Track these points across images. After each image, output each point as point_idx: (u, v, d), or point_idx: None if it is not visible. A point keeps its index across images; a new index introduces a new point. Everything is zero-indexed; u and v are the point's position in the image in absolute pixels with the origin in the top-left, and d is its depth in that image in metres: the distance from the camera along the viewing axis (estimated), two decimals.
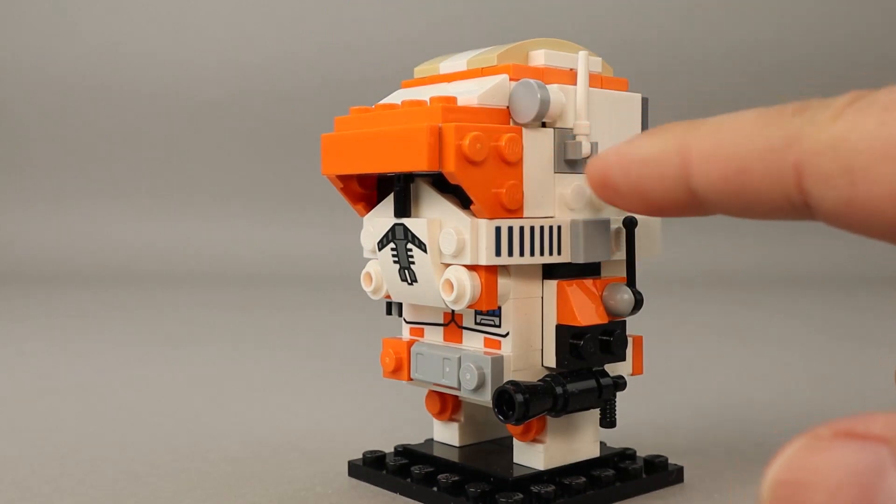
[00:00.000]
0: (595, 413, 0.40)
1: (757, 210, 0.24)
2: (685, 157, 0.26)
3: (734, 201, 0.25)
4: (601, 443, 0.41)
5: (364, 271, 0.41)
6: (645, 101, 0.41)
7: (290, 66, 1.80)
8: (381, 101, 0.39)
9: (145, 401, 0.61)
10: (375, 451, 0.43)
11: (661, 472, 0.42)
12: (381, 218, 0.39)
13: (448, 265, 0.37)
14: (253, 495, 0.41)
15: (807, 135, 0.22)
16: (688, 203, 0.26)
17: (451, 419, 0.43)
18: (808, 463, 0.18)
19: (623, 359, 0.39)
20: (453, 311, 0.39)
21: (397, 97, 0.40)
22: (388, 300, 0.41)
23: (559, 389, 0.36)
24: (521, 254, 0.36)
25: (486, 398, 0.37)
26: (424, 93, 0.39)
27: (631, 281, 0.38)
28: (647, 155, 0.27)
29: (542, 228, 0.37)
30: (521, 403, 0.35)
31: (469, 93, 0.37)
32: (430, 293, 0.37)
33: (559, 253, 0.37)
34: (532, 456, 0.39)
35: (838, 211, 0.22)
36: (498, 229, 0.36)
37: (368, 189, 0.41)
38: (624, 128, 0.40)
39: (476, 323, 0.39)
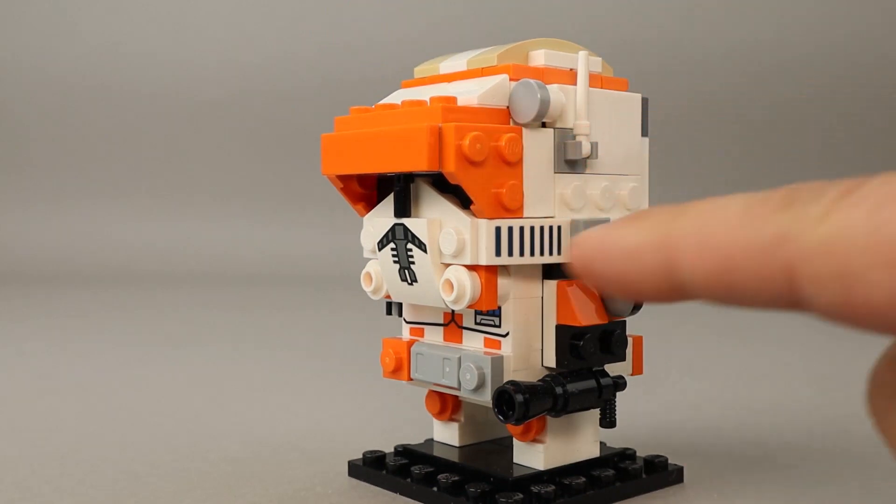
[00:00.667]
0: (595, 413, 0.40)
1: (748, 304, 0.24)
2: (670, 252, 0.25)
3: (723, 296, 0.25)
4: (601, 443, 0.41)
5: (364, 271, 0.41)
6: (645, 101, 0.41)
7: (290, 66, 1.80)
8: (381, 101, 0.39)
9: (145, 401, 0.61)
10: (375, 451, 0.43)
11: (661, 472, 0.42)
12: (381, 218, 0.39)
13: (448, 265, 0.37)
14: (253, 495, 0.41)
15: (796, 234, 0.22)
16: (674, 294, 0.26)
17: (451, 419, 0.43)
18: None
19: (623, 359, 0.39)
20: (453, 311, 0.39)
21: (397, 97, 0.40)
22: (388, 300, 0.41)
23: (559, 389, 0.36)
24: (521, 254, 0.36)
25: (486, 398, 0.37)
26: (424, 93, 0.39)
27: None
28: (630, 248, 0.27)
29: (542, 228, 0.37)
30: (521, 403, 0.35)
31: (469, 93, 0.37)
32: (430, 293, 0.37)
33: (559, 253, 0.37)
34: (532, 456, 0.39)
35: (834, 312, 0.22)
36: (498, 229, 0.36)
37: (368, 189, 0.41)
38: (624, 128, 0.40)
39: (476, 323, 0.39)
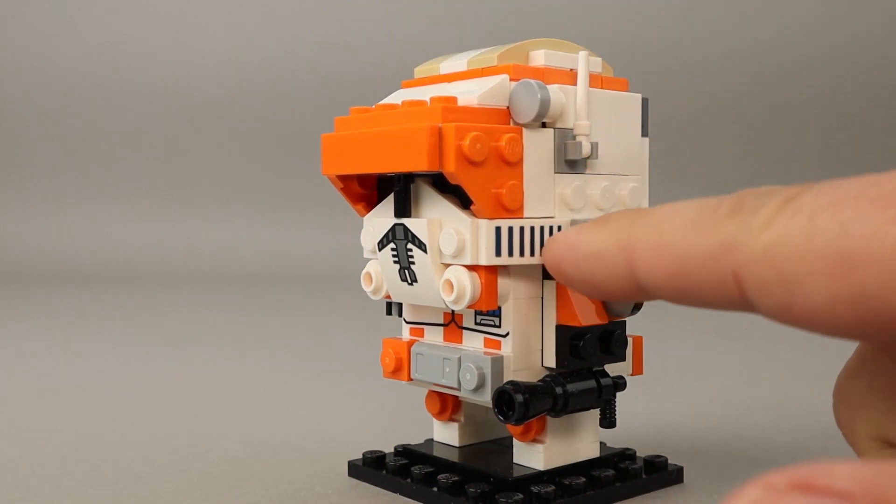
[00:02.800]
0: (595, 413, 0.40)
1: (702, 305, 0.25)
2: (629, 255, 0.27)
3: (679, 298, 0.26)
4: (601, 443, 0.41)
5: (364, 271, 0.41)
6: (645, 101, 0.41)
7: (290, 66, 1.80)
8: (381, 102, 0.39)
9: (145, 401, 0.61)
10: (375, 451, 0.43)
11: (661, 472, 0.42)
12: (382, 218, 0.39)
13: (448, 265, 0.37)
14: (253, 495, 0.41)
15: (741, 242, 0.23)
16: (637, 294, 0.28)
17: (451, 419, 0.43)
18: None
19: (623, 359, 0.39)
20: (453, 311, 0.39)
21: (397, 97, 0.40)
22: (388, 300, 0.41)
23: (559, 389, 0.36)
24: (522, 254, 0.36)
25: (486, 398, 0.37)
26: (424, 93, 0.39)
27: None
28: (594, 251, 0.29)
29: (542, 228, 0.37)
30: (521, 403, 0.35)
31: (469, 93, 0.37)
32: (430, 293, 0.37)
33: None
34: (532, 456, 0.39)
35: (778, 315, 0.23)
36: (498, 229, 0.36)
37: (368, 189, 0.41)
38: (624, 128, 0.40)
39: (476, 323, 0.39)
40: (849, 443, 0.28)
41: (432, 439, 0.44)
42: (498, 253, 0.36)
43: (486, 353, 0.37)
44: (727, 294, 0.24)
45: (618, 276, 0.28)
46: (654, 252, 0.26)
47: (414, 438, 0.46)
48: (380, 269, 0.40)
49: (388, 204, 0.39)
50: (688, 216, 0.25)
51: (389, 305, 0.42)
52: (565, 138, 0.37)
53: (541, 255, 0.36)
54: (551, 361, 0.38)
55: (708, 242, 0.24)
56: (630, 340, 0.40)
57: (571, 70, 0.38)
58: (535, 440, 0.39)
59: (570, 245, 0.30)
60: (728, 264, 0.23)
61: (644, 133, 0.41)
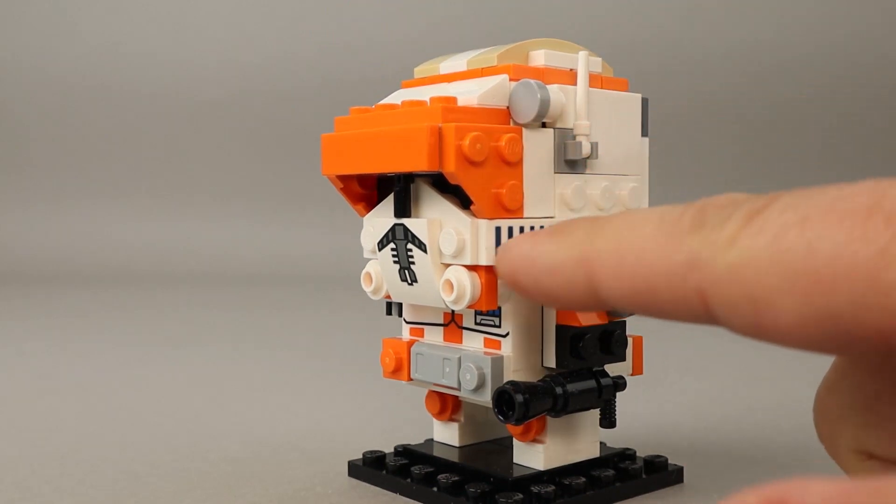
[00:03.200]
0: (595, 413, 0.40)
1: (668, 318, 0.25)
2: (589, 269, 0.26)
3: (643, 311, 0.25)
4: (601, 443, 0.41)
5: (364, 271, 0.41)
6: (645, 102, 0.41)
7: (290, 66, 1.80)
8: (381, 102, 0.39)
9: (145, 401, 0.61)
10: (375, 452, 0.43)
11: (661, 473, 0.42)
12: (382, 218, 0.39)
13: (448, 265, 0.37)
14: (253, 495, 0.41)
15: (706, 259, 0.22)
16: (598, 306, 0.27)
17: (451, 419, 0.43)
18: None
19: (623, 359, 0.39)
20: (453, 311, 0.39)
21: (397, 97, 0.40)
22: (388, 300, 0.41)
23: (559, 389, 0.36)
24: None
25: (486, 398, 0.37)
26: (424, 93, 0.39)
27: None
28: (551, 265, 0.28)
29: (542, 228, 0.37)
30: (521, 403, 0.35)
31: (469, 93, 0.37)
32: (430, 293, 0.37)
33: None
34: (532, 456, 0.39)
35: (747, 332, 0.22)
36: (498, 229, 0.36)
37: (368, 189, 0.41)
38: (624, 128, 0.40)
39: (476, 323, 0.39)
40: (831, 455, 0.28)
41: (432, 439, 0.44)
42: None
43: (486, 353, 0.37)
44: (692, 310, 0.23)
45: (577, 290, 0.27)
46: (614, 267, 0.25)
47: (414, 438, 0.46)
48: (380, 269, 0.40)
49: (388, 204, 0.39)
50: (649, 229, 0.24)
51: (389, 305, 0.42)
52: (565, 138, 0.37)
53: (494, 262, 0.34)
54: (551, 361, 0.38)
55: (671, 259, 0.23)
56: (630, 340, 0.40)
57: (571, 70, 0.38)
58: (535, 440, 0.39)
59: (526, 257, 0.29)
60: (692, 282, 0.23)
61: (644, 133, 0.41)
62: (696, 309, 0.23)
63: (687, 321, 0.24)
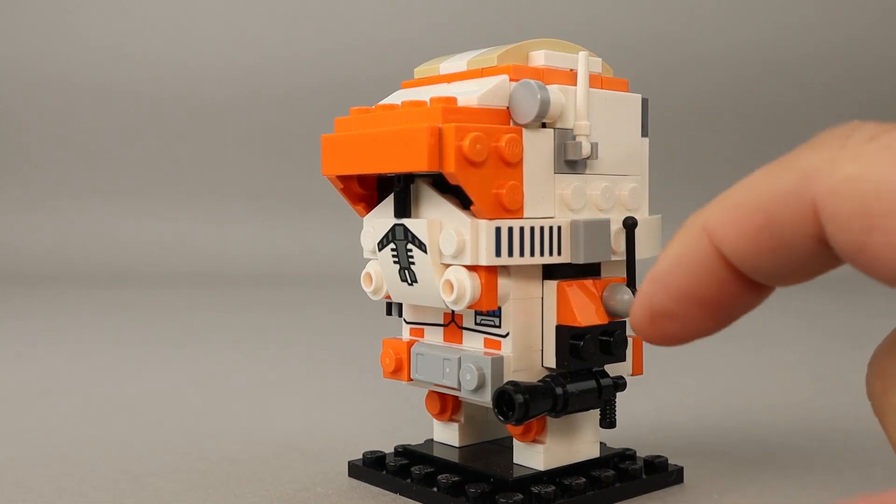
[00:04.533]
0: (595, 413, 0.40)
1: (789, 262, 0.23)
2: (708, 235, 0.24)
3: (768, 256, 0.23)
4: (601, 443, 0.41)
5: (364, 272, 0.41)
6: (645, 102, 0.41)
7: (290, 67, 1.80)
8: (381, 102, 0.39)
9: (145, 401, 0.61)
10: (375, 452, 0.43)
11: (661, 473, 0.42)
12: (382, 218, 0.39)
13: (448, 265, 0.37)
14: (253, 495, 0.41)
15: (824, 171, 0.21)
16: (736, 280, 0.25)
17: (451, 419, 0.43)
18: None
19: (623, 359, 0.39)
20: (453, 311, 0.39)
21: (397, 98, 0.40)
22: (389, 300, 0.42)
23: (559, 390, 0.36)
24: (521, 254, 0.36)
25: (486, 399, 0.37)
26: (424, 93, 0.39)
27: (631, 281, 0.38)
28: (677, 255, 0.25)
29: (542, 229, 0.37)
30: (521, 404, 0.35)
31: (469, 93, 0.37)
32: (430, 294, 0.37)
33: (559, 253, 0.37)
34: (532, 456, 0.39)
35: (850, 253, 0.21)
36: (498, 230, 0.36)
37: (369, 189, 0.41)
38: (624, 128, 0.40)
39: (476, 323, 0.39)
40: (877, 415, 0.27)
41: (432, 439, 0.44)
42: (498, 253, 0.36)
43: (486, 353, 0.37)
44: (810, 232, 0.22)
45: (708, 265, 0.25)
46: (731, 213, 0.24)
47: (414, 438, 0.46)
48: (380, 270, 0.40)
49: (388, 204, 0.39)
50: (761, 170, 0.23)
51: (389, 306, 0.42)
52: (565, 139, 0.37)
53: (630, 323, 0.32)
54: (551, 362, 0.38)
55: (786, 177, 0.22)
56: (630, 341, 0.40)
57: (571, 70, 0.39)
58: (535, 440, 0.39)
59: (655, 276, 0.26)
60: (808, 195, 0.21)
61: (644, 133, 0.41)
62: (810, 227, 0.22)
63: (811, 260, 0.23)
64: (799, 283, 0.24)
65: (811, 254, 0.22)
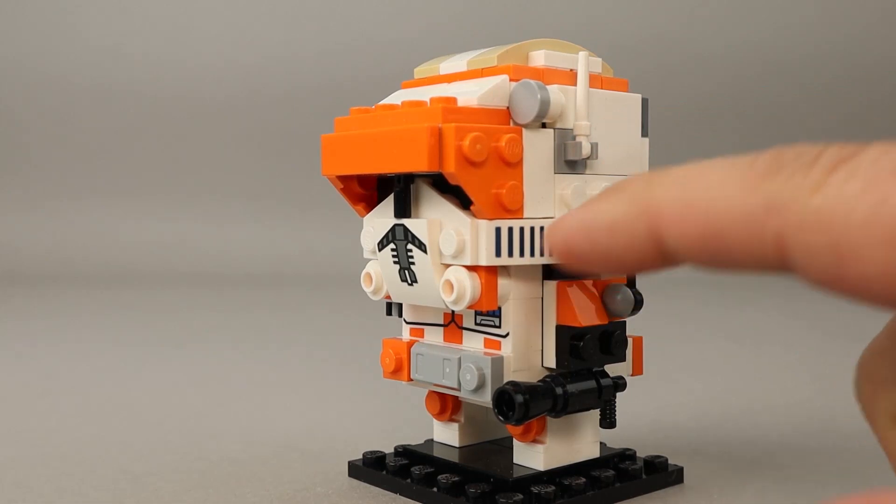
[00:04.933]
0: (595, 413, 0.40)
1: (734, 267, 0.24)
2: (653, 219, 0.25)
3: (710, 260, 0.24)
4: (601, 443, 0.41)
5: (364, 272, 0.41)
6: (645, 102, 0.41)
7: (290, 67, 1.80)
8: (381, 102, 0.39)
9: (145, 401, 0.61)
10: (375, 452, 0.43)
11: (661, 473, 0.42)
12: (382, 218, 0.39)
13: (448, 266, 0.37)
14: (253, 495, 0.41)
15: (788, 203, 0.21)
16: (661, 261, 0.26)
17: (451, 420, 0.43)
18: None
19: (623, 359, 0.39)
20: (453, 311, 0.39)
21: (397, 98, 0.40)
22: (389, 301, 0.42)
23: (559, 390, 0.36)
24: (522, 254, 0.36)
25: (486, 399, 0.37)
26: (424, 93, 0.39)
27: (631, 282, 0.38)
28: (611, 220, 0.26)
29: (542, 229, 0.37)
30: (521, 404, 0.35)
31: (469, 93, 0.37)
32: (430, 294, 0.37)
33: None
34: (532, 456, 0.39)
35: (824, 282, 0.21)
36: (498, 230, 0.36)
37: (369, 189, 0.41)
38: (624, 128, 0.40)
39: (476, 323, 0.39)
40: (866, 418, 0.27)
41: (432, 439, 0.44)
42: (498, 253, 0.36)
43: (486, 353, 0.37)
44: (765, 257, 0.22)
45: (640, 243, 0.25)
46: (681, 214, 0.24)
47: (414, 438, 0.46)
48: (380, 270, 0.40)
49: (388, 204, 0.39)
50: (719, 175, 0.23)
51: (389, 306, 0.42)
52: (565, 139, 0.37)
53: (544, 243, 0.33)
54: (551, 362, 0.38)
55: (748, 202, 0.22)
56: (630, 341, 0.40)
57: (571, 70, 0.39)
58: (535, 440, 0.39)
59: (580, 221, 0.27)
60: (772, 226, 0.22)
61: (644, 133, 0.41)
62: (771, 256, 0.22)
63: (754, 269, 0.23)
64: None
65: (758, 267, 0.23)
